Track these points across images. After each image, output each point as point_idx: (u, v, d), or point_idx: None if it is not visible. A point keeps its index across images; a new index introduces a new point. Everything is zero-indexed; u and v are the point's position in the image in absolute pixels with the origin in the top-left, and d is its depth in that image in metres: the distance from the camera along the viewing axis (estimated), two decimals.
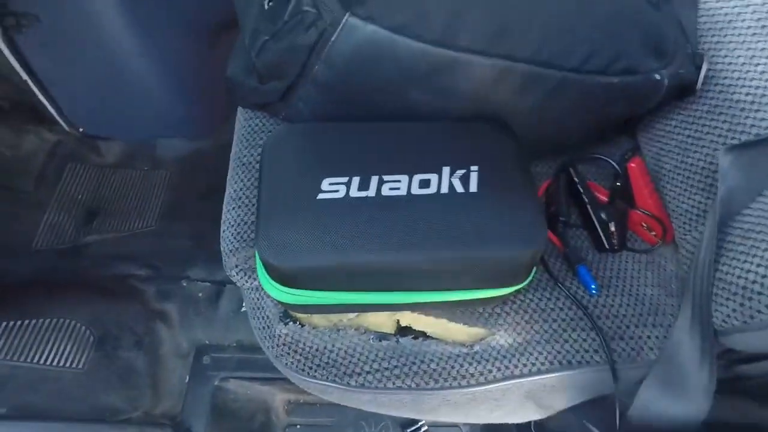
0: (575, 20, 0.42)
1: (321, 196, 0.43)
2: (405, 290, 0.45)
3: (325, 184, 0.44)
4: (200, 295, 0.93)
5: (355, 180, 0.44)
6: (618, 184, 0.59)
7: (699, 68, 0.50)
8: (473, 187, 0.44)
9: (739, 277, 0.42)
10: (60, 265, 0.91)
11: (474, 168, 0.45)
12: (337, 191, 0.43)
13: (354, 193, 0.43)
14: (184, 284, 0.93)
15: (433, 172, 0.45)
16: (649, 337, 0.50)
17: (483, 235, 0.41)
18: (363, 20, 0.42)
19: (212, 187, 1.07)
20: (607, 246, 0.54)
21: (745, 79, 0.48)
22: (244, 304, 0.94)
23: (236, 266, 0.55)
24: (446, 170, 0.45)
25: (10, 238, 0.91)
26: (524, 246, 0.41)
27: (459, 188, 0.44)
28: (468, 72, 0.44)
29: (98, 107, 1.01)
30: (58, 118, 0.99)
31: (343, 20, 0.42)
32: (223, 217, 0.59)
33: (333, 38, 0.43)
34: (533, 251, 0.42)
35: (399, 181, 0.44)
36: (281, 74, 0.49)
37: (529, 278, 0.46)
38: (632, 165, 0.57)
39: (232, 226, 0.57)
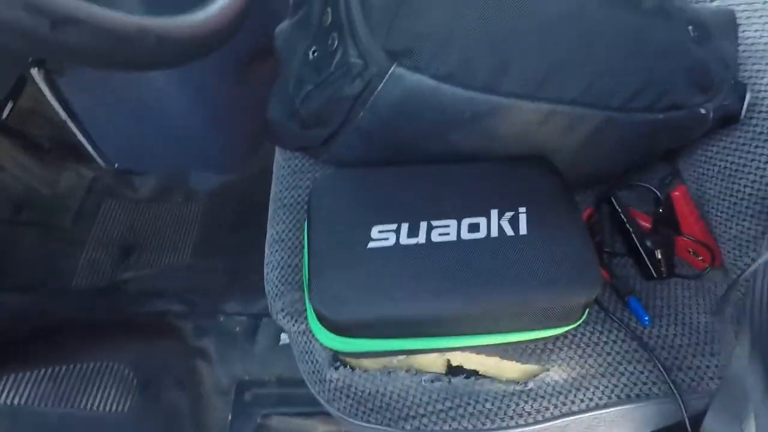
0: (622, 61, 0.42)
1: (372, 244, 0.43)
2: (457, 335, 0.45)
3: (375, 232, 0.44)
4: (237, 329, 0.93)
5: (404, 226, 0.44)
6: (660, 211, 0.58)
7: (742, 98, 0.50)
8: (523, 230, 0.44)
9: None
10: (99, 303, 0.92)
11: (522, 209, 0.45)
12: (387, 239, 0.44)
13: (404, 240, 0.44)
14: (221, 319, 0.94)
15: (481, 216, 0.45)
16: (708, 366, 0.50)
17: (537, 279, 0.41)
18: (409, 70, 0.42)
19: (243, 219, 1.09)
20: (655, 274, 0.54)
21: None
22: (282, 337, 0.94)
23: (282, 310, 0.56)
24: (494, 213, 0.45)
25: (51, 277, 0.93)
26: (580, 289, 0.41)
27: (509, 231, 0.44)
28: (512, 115, 0.44)
29: (132, 142, 1.03)
30: (94, 154, 1.02)
31: (390, 71, 0.42)
32: (267, 259, 0.59)
33: (379, 88, 0.43)
34: (588, 295, 0.41)
35: (448, 226, 0.44)
36: (325, 122, 0.49)
37: (583, 317, 0.46)
38: (676, 194, 0.56)
39: (276, 268, 0.58)
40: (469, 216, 0.45)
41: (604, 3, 0.42)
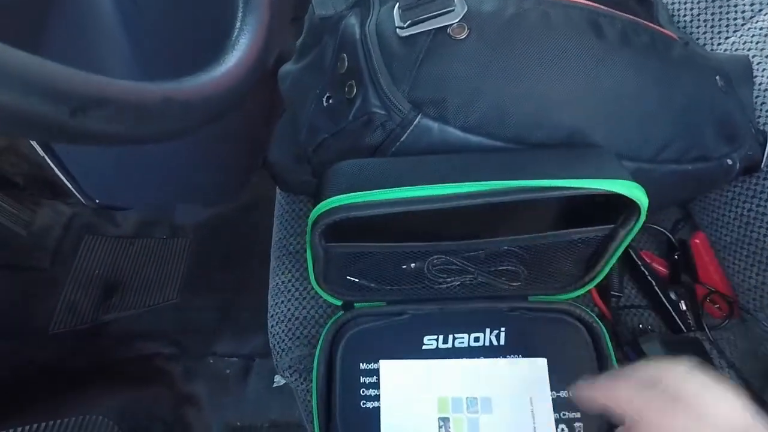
0: (653, 115, 0.41)
1: None
2: None
3: None
4: (228, 372, 0.89)
5: None
6: (677, 257, 0.57)
7: (762, 145, 0.49)
8: None
9: None
10: (79, 348, 0.86)
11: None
12: None
13: None
14: (211, 361, 0.89)
15: None
16: None
17: None
18: (435, 120, 0.40)
19: (233, 253, 1.04)
20: (683, 328, 0.52)
21: None
22: (275, 379, 0.90)
23: (290, 367, 0.52)
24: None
25: (27, 322, 0.87)
26: None
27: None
28: None
29: (114, 178, 0.98)
30: (73, 190, 0.96)
31: (415, 122, 0.40)
32: (271, 311, 0.56)
33: (402, 138, 0.41)
34: None
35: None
36: None
37: None
38: (696, 241, 0.55)
39: (282, 321, 0.54)
40: None
41: (633, 55, 0.41)
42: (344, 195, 0.36)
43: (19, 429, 0.69)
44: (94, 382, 0.81)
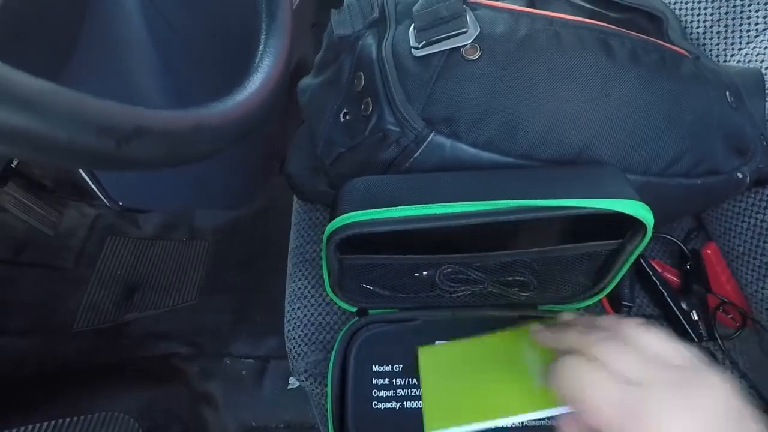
0: (662, 131, 0.42)
1: None
2: None
3: None
4: (244, 372, 0.91)
5: None
6: (689, 267, 0.58)
7: None
8: None
9: None
10: (101, 346, 0.89)
11: None
12: None
13: None
14: (228, 362, 0.91)
15: None
16: None
17: None
18: (447, 137, 0.41)
19: (251, 257, 1.07)
20: (695, 339, 0.53)
21: None
22: (290, 381, 0.92)
23: (306, 371, 0.54)
24: None
25: (52, 319, 0.90)
26: None
27: None
28: None
29: (137, 182, 1.01)
30: (98, 193, 0.99)
31: (429, 138, 0.41)
32: (288, 316, 0.58)
33: (416, 155, 0.42)
34: None
35: None
36: None
37: None
38: (708, 251, 0.56)
39: (298, 326, 0.56)
40: None
41: (643, 73, 0.42)
42: (358, 212, 0.38)
43: (44, 424, 0.72)
44: (114, 380, 0.84)
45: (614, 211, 0.36)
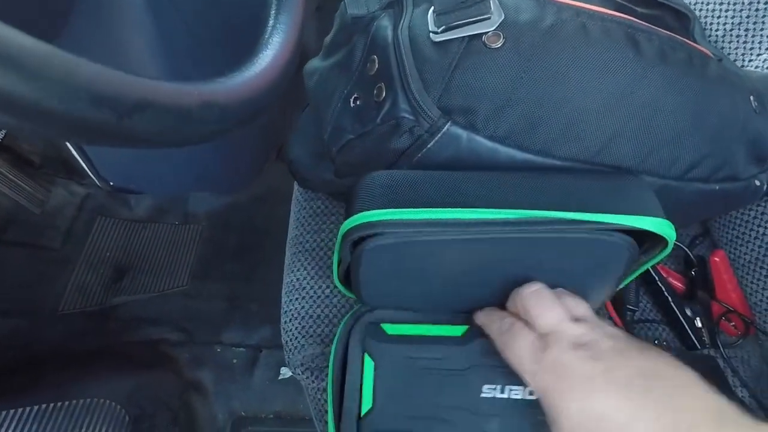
0: (686, 133, 0.40)
1: None
2: None
3: None
4: (235, 361, 0.89)
5: None
6: (694, 273, 0.57)
7: None
8: None
9: None
10: (88, 329, 0.87)
11: None
12: None
13: None
14: (218, 350, 0.89)
15: None
16: None
17: None
18: (464, 129, 0.39)
19: (245, 243, 1.04)
20: (698, 345, 0.52)
21: None
22: (282, 371, 0.90)
23: (302, 365, 0.52)
24: None
25: (37, 301, 0.87)
26: None
27: None
28: None
29: (129, 161, 0.98)
30: (88, 171, 0.96)
31: (444, 129, 0.39)
32: (284, 307, 0.56)
33: (429, 145, 0.40)
34: None
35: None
36: (362, 172, 0.46)
37: None
38: (716, 259, 0.55)
39: (295, 319, 0.54)
40: None
41: (671, 72, 0.40)
42: (379, 210, 0.36)
43: (27, 409, 0.70)
44: (101, 365, 0.81)
45: (643, 229, 0.34)
